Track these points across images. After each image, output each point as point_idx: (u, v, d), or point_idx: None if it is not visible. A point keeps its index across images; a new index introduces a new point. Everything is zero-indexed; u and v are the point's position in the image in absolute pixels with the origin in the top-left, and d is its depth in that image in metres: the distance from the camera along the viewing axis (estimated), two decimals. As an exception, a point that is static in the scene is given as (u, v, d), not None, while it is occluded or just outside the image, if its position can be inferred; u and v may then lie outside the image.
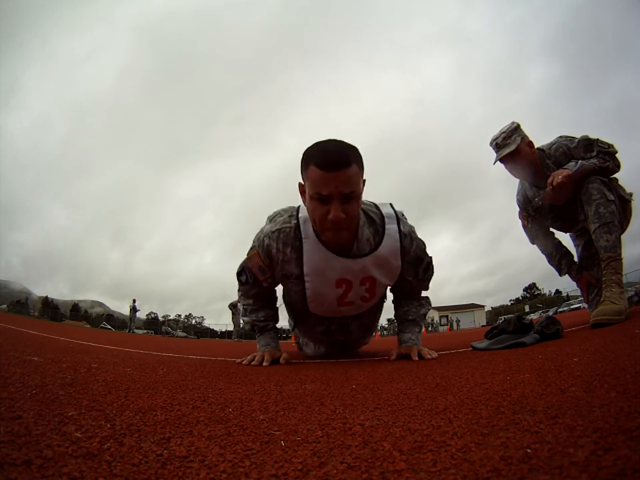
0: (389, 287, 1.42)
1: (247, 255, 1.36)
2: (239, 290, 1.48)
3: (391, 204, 1.34)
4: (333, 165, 1.05)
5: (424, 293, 1.51)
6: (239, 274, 1.41)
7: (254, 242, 1.33)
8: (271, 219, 1.32)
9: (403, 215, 1.33)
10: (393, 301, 1.51)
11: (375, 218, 1.27)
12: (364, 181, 1.16)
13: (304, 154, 1.14)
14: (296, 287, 1.31)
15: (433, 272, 1.43)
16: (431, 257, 1.39)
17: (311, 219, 1.18)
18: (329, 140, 1.13)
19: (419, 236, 1.32)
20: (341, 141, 1.13)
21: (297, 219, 1.25)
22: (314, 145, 1.13)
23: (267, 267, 1.31)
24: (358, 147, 1.14)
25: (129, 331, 14.59)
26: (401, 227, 1.27)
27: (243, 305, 1.49)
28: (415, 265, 1.34)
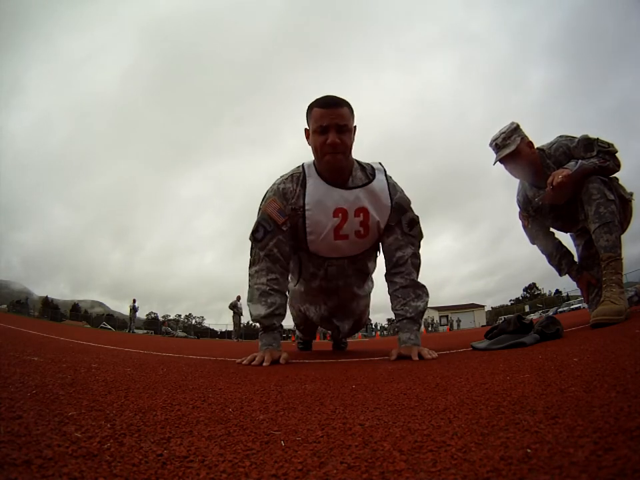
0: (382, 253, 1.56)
1: (263, 204, 1.50)
2: (251, 260, 1.47)
3: (380, 163, 1.58)
4: (330, 104, 1.37)
5: (422, 281, 1.48)
6: (254, 232, 1.48)
7: (267, 193, 1.52)
8: (282, 175, 1.55)
9: (391, 177, 1.55)
10: (386, 276, 1.53)
11: (366, 167, 1.54)
12: (355, 127, 1.44)
13: (308, 106, 1.42)
14: (298, 219, 1.48)
15: (421, 233, 1.56)
16: (417, 216, 1.55)
17: (313, 151, 1.45)
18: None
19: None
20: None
21: (303, 167, 1.52)
22: (315, 98, 1.42)
23: (285, 208, 1.47)
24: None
25: (129, 331, 14.59)
26: (388, 178, 1.52)
27: (255, 286, 1.42)
28: (399, 212, 1.51)
